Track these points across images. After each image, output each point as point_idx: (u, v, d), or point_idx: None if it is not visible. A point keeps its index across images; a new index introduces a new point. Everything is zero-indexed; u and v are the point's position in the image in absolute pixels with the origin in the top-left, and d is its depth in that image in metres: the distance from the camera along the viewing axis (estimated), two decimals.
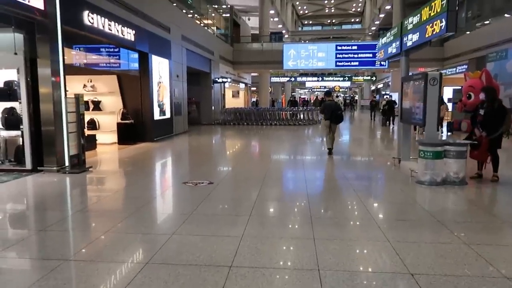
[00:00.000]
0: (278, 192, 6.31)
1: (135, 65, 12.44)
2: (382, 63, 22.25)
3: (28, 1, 6.74)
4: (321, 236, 3.91)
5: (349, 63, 23.27)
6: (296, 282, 2.96)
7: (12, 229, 4.45)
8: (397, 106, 19.43)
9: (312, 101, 42.73)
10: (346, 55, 23.12)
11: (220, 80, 21.77)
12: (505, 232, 4.24)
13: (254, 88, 36.92)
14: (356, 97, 55.62)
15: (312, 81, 39.28)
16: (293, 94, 48.97)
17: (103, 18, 9.39)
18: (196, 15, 21.31)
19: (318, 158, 9.78)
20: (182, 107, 16.23)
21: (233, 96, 30.28)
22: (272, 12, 31.36)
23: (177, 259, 3.34)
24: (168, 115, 14.22)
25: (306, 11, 54.04)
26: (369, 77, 36.42)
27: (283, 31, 39.49)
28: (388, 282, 2.95)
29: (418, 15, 6.89)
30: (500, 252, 3.53)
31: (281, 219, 4.62)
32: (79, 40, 9.91)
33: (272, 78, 32.49)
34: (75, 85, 11.65)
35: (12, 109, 7.49)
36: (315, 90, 53.95)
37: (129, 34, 10.88)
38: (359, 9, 51.05)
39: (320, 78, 37.10)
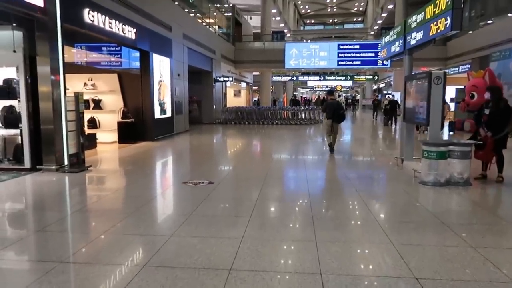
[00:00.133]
0: (279, 193, 6.22)
1: (136, 64, 12.37)
2: (385, 62, 22.12)
3: None
4: (323, 238, 3.82)
5: (351, 63, 23.16)
6: (298, 286, 2.87)
7: (9, 229, 4.38)
8: (399, 106, 19.41)
9: (314, 101, 42.60)
10: (348, 54, 23.00)
11: (222, 79, 21.68)
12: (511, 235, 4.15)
13: (256, 87, 36.85)
14: (358, 97, 55.45)
15: (314, 80, 39.15)
16: (294, 93, 48.82)
17: (103, 16, 9.31)
18: (197, 14, 21.22)
19: (319, 158, 9.69)
20: (183, 106, 16.15)
21: (234, 95, 30.19)
22: (274, 11, 31.26)
23: (175, 262, 3.25)
24: (169, 114, 14.14)
25: (308, 10, 53.89)
26: (371, 77, 36.26)
27: (285, 30, 39.39)
28: (392, 287, 2.86)
29: (422, 13, 6.79)
30: (507, 256, 3.44)
31: (282, 220, 4.53)
32: (80, 38, 9.82)
33: (273, 77, 32.38)
34: (75, 84, 11.58)
35: (11, 107, 7.41)
36: (316, 89, 53.80)
37: (130, 33, 10.79)
38: (361, 9, 50.88)
39: (322, 78, 36.93)
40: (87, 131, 11.09)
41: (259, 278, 2.98)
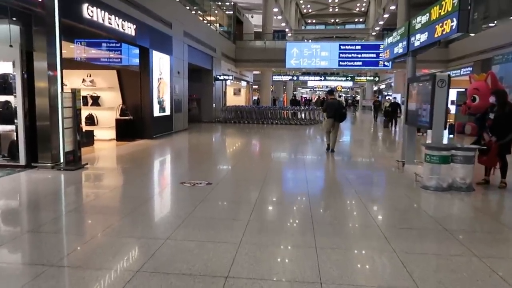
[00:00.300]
0: (279, 195, 6.10)
1: (136, 61, 12.23)
2: (386, 63, 22.01)
3: None
4: (323, 244, 3.70)
5: (352, 63, 23.03)
6: None
7: (0, 229, 4.25)
8: (401, 108, 19.29)
9: (314, 101, 42.48)
10: (350, 55, 22.87)
11: (222, 77, 21.54)
12: None
13: (256, 86, 36.70)
14: (358, 98, 55.33)
15: (314, 80, 39.01)
16: (294, 93, 48.69)
17: (103, 12, 9.17)
18: (199, 12, 21.06)
19: (319, 159, 9.58)
20: (183, 104, 16.01)
21: (234, 94, 30.04)
22: (275, 10, 31.10)
23: (170, 268, 3.13)
24: (168, 112, 14.01)
25: (310, 10, 53.71)
26: (371, 78, 36.16)
27: (286, 30, 39.27)
28: None
29: (427, 14, 6.67)
30: None
31: (281, 224, 4.41)
32: (79, 34, 9.67)
33: (274, 77, 32.23)
34: (74, 80, 11.46)
35: (7, 102, 7.29)
36: (317, 89, 53.66)
37: (129, 29, 10.66)
38: (363, 9, 50.72)
39: (323, 78, 36.82)
40: (85, 128, 10.95)
41: (257, 286, 2.86)
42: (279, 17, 34.27)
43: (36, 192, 5.89)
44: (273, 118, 20.72)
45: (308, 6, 51.43)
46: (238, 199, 5.70)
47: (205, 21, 21.26)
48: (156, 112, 12.89)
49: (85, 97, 11.51)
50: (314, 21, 59.15)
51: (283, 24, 37.46)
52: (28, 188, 6.16)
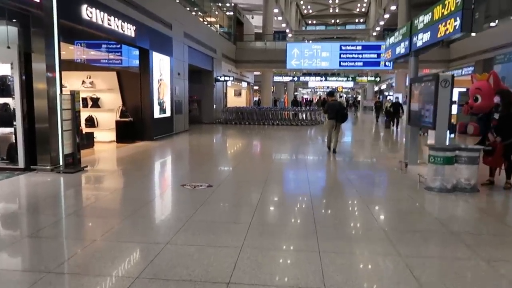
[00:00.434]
0: (280, 197, 6.02)
1: (136, 62, 12.16)
2: (387, 64, 21.93)
3: None
4: (326, 248, 3.61)
5: (353, 63, 22.94)
6: None
7: None
8: (402, 108, 19.19)
9: (315, 101, 42.38)
10: (350, 55, 22.78)
11: (222, 78, 21.47)
12: None
13: (257, 87, 36.62)
14: (359, 98, 55.23)
15: (315, 81, 38.89)
16: (295, 94, 48.59)
17: (102, 13, 9.10)
18: (199, 13, 21.01)
19: (321, 161, 9.50)
20: (183, 105, 15.94)
21: (235, 95, 29.97)
22: (276, 11, 31.01)
23: (170, 274, 3.05)
24: (168, 114, 13.94)
25: (310, 11, 53.65)
26: (372, 78, 36.05)
27: (287, 30, 39.17)
28: None
29: (430, 13, 6.58)
30: None
31: (284, 228, 4.32)
32: (78, 35, 9.58)
33: (274, 78, 32.16)
34: (73, 81, 11.41)
35: (5, 105, 7.22)
36: (317, 90, 53.56)
37: (129, 30, 10.59)
38: (363, 9, 50.65)
39: (324, 78, 36.72)
40: (85, 129, 10.89)
41: None
42: (280, 18, 34.18)
43: (35, 195, 5.81)
44: (274, 119, 20.64)
45: (309, 7, 51.38)
46: (239, 201, 5.62)
47: (205, 22, 21.20)
48: (157, 114, 12.82)
49: (85, 99, 11.45)
50: (314, 21, 59.09)
51: (284, 25, 37.37)
52: (27, 192, 6.08)
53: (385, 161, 9.56)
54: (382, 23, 35.28)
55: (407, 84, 21.29)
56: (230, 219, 4.62)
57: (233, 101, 27.60)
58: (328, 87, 41.46)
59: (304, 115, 21.43)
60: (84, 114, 11.26)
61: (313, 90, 58.63)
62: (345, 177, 7.41)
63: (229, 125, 19.65)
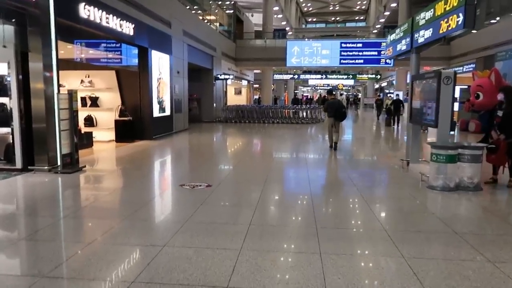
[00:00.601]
0: (280, 197, 5.93)
1: (135, 61, 12.06)
2: (388, 61, 21.84)
3: None
4: (328, 250, 3.53)
5: (353, 61, 22.84)
6: None
7: None
8: (403, 106, 19.09)
9: (315, 99, 42.25)
10: (351, 53, 22.68)
11: (222, 76, 21.37)
12: None
13: (257, 86, 36.51)
14: (360, 96, 55.10)
15: (315, 78, 38.80)
16: (295, 92, 48.48)
17: (100, 11, 9.00)
18: (198, 11, 20.89)
19: (322, 159, 9.42)
20: (183, 104, 15.85)
21: (235, 93, 29.87)
22: (276, 8, 30.90)
23: (166, 278, 2.97)
24: (168, 112, 13.85)
25: (310, 8, 53.46)
26: (373, 75, 35.94)
27: (287, 28, 39.06)
28: None
29: (432, 10, 6.49)
30: None
31: (284, 229, 4.23)
32: (76, 34, 9.49)
33: (275, 76, 32.06)
34: (72, 81, 11.32)
35: (2, 105, 7.13)
36: (318, 88, 53.44)
37: (128, 28, 10.50)
38: (363, 7, 50.44)
39: (324, 76, 36.61)
40: (84, 129, 10.82)
41: None
42: (280, 16, 34.10)
43: (32, 196, 5.73)
44: (274, 117, 20.56)
45: (309, 4, 51.19)
46: (239, 201, 5.54)
47: (205, 20, 21.09)
48: (156, 113, 12.74)
49: (83, 98, 11.38)
50: (314, 19, 58.91)
51: (284, 23, 37.26)
52: (24, 193, 6.01)
53: (386, 159, 9.48)
54: (382, 20, 35.17)
55: (408, 81, 21.13)
56: (229, 220, 4.53)
57: (233, 100, 27.52)
58: (328, 85, 41.41)
59: (304, 113, 21.34)
60: (83, 114, 11.19)
61: (313, 88, 58.51)
62: (346, 175, 7.32)
63: (229, 124, 19.57)
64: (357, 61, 22.84)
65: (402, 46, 8.30)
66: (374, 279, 3.05)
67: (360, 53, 22.64)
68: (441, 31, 6.14)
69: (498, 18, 19.34)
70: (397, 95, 21.62)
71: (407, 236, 4.00)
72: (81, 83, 11.44)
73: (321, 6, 50.91)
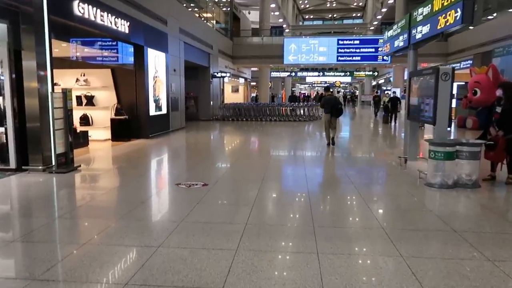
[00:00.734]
0: (278, 196, 5.87)
1: (130, 59, 11.97)
2: (385, 58, 21.81)
3: None
4: (325, 249, 3.48)
5: (351, 58, 22.81)
6: None
7: None
8: (401, 103, 19.05)
9: (312, 96, 42.18)
10: (348, 50, 22.65)
11: (219, 74, 21.27)
12: None
13: (254, 83, 36.42)
14: (357, 93, 55.06)
15: (312, 76, 38.72)
16: (293, 89, 48.39)
17: (95, 8, 8.91)
18: (195, 8, 20.78)
19: (319, 157, 9.37)
20: (179, 102, 15.75)
21: (232, 91, 29.77)
22: (273, 6, 30.79)
23: (160, 280, 2.91)
24: (164, 111, 13.77)
25: (307, 6, 53.36)
26: (370, 73, 35.90)
27: (284, 25, 38.96)
28: None
29: (429, 5, 6.42)
30: None
31: (281, 228, 4.17)
32: (71, 32, 9.38)
33: (272, 73, 31.97)
34: (67, 79, 11.23)
35: None
36: (315, 85, 53.35)
37: (123, 26, 10.40)
38: (360, 4, 50.38)
39: (321, 73, 36.56)
40: (79, 128, 10.74)
41: None
42: (277, 13, 33.99)
43: (26, 197, 5.65)
44: (271, 115, 20.48)
45: (306, 1, 51.11)
46: (235, 200, 5.48)
47: (202, 18, 20.98)
48: (152, 111, 12.65)
49: (79, 97, 11.29)
50: (311, 16, 58.85)
51: (281, 20, 37.16)
52: (18, 193, 5.93)
53: (383, 156, 9.43)
54: (379, 17, 35.12)
55: (405, 78, 21.06)
56: (225, 219, 4.46)
57: (231, 98, 27.43)
58: (325, 82, 41.35)
59: (302, 111, 21.28)
60: (78, 112, 11.10)
61: (310, 85, 58.41)
62: (343, 173, 7.27)
63: (226, 122, 19.50)
64: (354, 58, 22.82)
65: (399, 42, 8.23)
66: (372, 279, 3.00)
67: (357, 50, 22.61)
68: (439, 27, 6.08)
69: (495, 14, 19.32)
70: (394, 92, 21.57)
71: (405, 235, 3.95)
72: (76, 81, 11.35)
73: (318, 3, 50.84)
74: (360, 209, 4.92)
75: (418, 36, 7.02)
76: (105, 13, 9.40)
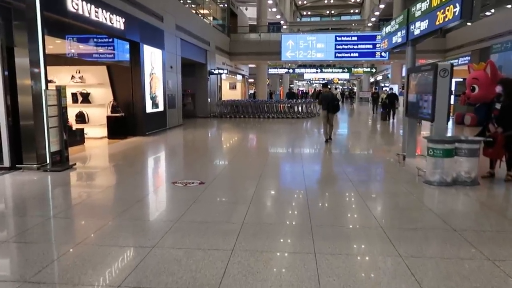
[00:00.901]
0: (275, 194, 5.81)
1: (126, 56, 11.85)
2: (383, 54, 21.70)
3: None
4: (323, 249, 3.42)
5: (348, 54, 22.67)
6: None
7: None
8: (398, 100, 18.99)
9: (310, 93, 42.06)
10: (346, 46, 22.50)
11: (217, 71, 21.15)
12: None
13: (252, 80, 36.29)
14: (355, 89, 54.98)
15: (310, 72, 38.65)
16: (291, 86, 48.30)
17: (89, 4, 8.80)
18: (191, 5, 20.62)
19: (317, 155, 9.30)
20: (176, 99, 15.65)
21: (230, 88, 29.64)
22: (270, 2, 30.58)
23: (154, 281, 2.84)
24: (161, 108, 13.67)
25: (305, 2, 53.11)
26: (368, 69, 35.83)
27: (281, 22, 38.75)
28: None
29: (428, 0, 6.35)
30: None
31: (278, 228, 4.10)
32: (65, 29, 9.25)
33: (270, 70, 31.84)
34: (62, 76, 11.13)
35: None
36: (313, 82, 53.28)
37: (118, 22, 10.29)
38: (358, 0, 50.22)
39: (319, 70, 36.45)
40: (75, 126, 10.63)
41: None
42: (274, 9, 33.77)
43: (20, 195, 5.57)
44: (269, 112, 20.40)
45: None
46: (232, 199, 5.41)
47: (198, 14, 20.83)
48: (149, 108, 12.56)
49: (74, 94, 11.18)
50: (309, 13, 58.59)
51: (278, 16, 36.94)
52: (12, 192, 5.83)
53: (382, 153, 9.38)
54: (377, 13, 34.97)
55: (403, 74, 20.94)
56: (221, 218, 4.39)
57: (228, 94, 27.31)
58: (323, 79, 41.26)
59: (299, 108, 21.19)
60: (74, 110, 11.00)
61: (308, 82, 58.33)
62: (341, 170, 7.21)
63: (224, 119, 19.40)
64: (352, 54, 22.68)
65: (397, 38, 8.16)
66: (370, 281, 2.94)
67: (355, 47, 22.47)
68: (437, 23, 6.01)
69: (493, 10, 19.25)
70: (391, 89, 21.48)
71: (404, 234, 3.89)
72: (71, 78, 11.24)
73: None
74: (358, 208, 4.86)
75: (417, 32, 6.95)
76: (100, 9, 9.28)
